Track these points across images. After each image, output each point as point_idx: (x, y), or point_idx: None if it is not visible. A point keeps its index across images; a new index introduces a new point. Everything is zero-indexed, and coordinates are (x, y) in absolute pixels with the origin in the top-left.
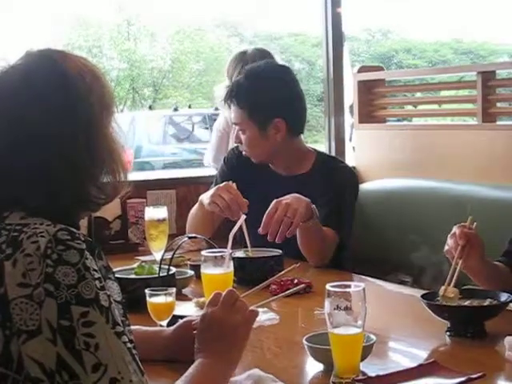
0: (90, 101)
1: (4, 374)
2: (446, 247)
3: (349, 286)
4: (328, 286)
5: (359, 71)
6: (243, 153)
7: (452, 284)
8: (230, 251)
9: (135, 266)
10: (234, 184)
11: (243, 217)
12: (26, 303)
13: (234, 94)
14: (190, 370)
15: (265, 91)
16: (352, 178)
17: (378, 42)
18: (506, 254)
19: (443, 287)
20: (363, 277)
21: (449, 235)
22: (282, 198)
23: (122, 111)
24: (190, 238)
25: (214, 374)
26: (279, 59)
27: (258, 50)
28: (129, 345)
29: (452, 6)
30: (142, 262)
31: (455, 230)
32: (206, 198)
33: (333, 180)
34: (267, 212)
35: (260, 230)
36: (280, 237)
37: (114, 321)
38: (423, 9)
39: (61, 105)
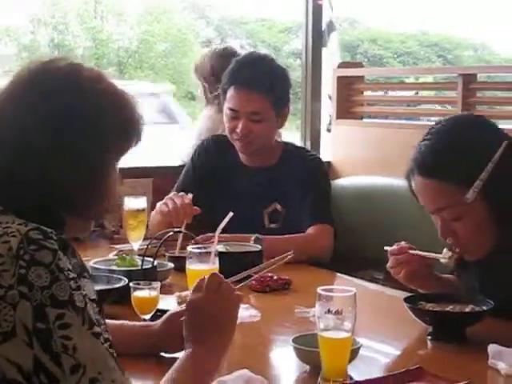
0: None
1: None
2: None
3: (340, 291)
4: (319, 290)
5: (339, 67)
6: (235, 142)
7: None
8: (216, 247)
9: (112, 255)
10: (191, 195)
11: (230, 214)
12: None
13: (256, 78)
14: (181, 360)
15: (284, 77)
16: (322, 167)
17: (345, 31)
18: None
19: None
20: (345, 276)
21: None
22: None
23: None
24: (175, 232)
25: (205, 362)
26: (245, 44)
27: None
28: (106, 344)
29: None
30: (120, 251)
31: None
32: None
33: (303, 172)
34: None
35: None
36: None
37: (90, 321)
38: None
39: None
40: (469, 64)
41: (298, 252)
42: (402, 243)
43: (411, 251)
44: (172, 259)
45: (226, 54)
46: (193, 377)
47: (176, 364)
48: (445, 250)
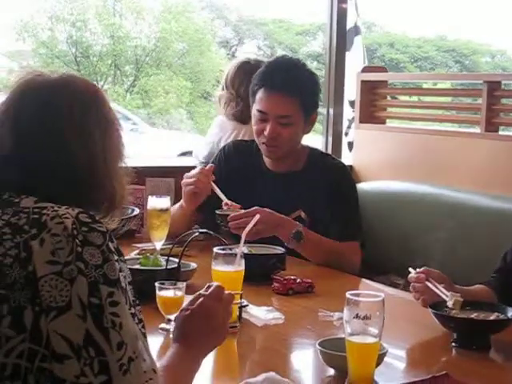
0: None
1: (34, 349)
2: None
3: (369, 296)
4: (348, 295)
5: (363, 71)
6: (262, 146)
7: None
8: (243, 249)
9: (134, 254)
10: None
11: (257, 216)
12: (55, 280)
13: (287, 81)
14: (170, 356)
15: (314, 83)
16: (349, 176)
17: (362, 34)
18: (497, 271)
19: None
20: (367, 281)
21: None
22: (268, 211)
23: (103, 87)
24: (201, 232)
25: (191, 362)
26: (262, 45)
27: (261, 61)
28: (139, 325)
29: (438, 2)
30: (142, 250)
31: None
32: None
33: (332, 184)
34: (248, 212)
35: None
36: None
37: (129, 302)
38: (409, 3)
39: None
40: (485, 70)
41: (329, 257)
42: (422, 270)
43: (427, 282)
44: (221, 217)
45: (247, 69)
46: (184, 374)
47: (163, 361)
48: (449, 294)
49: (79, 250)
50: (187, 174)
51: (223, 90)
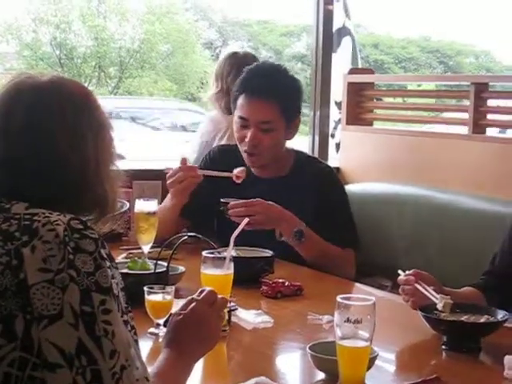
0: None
1: (25, 358)
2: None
3: (360, 300)
4: (339, 299)
5: (349, 73)
6: (244, 154)
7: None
8: (232, 253)
9: (121, 258)
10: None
11: (246, 219)
12: (47, 288)
13: (266, 86)
14: (162, 362)
15: (295, 87)
16: (337, 181)
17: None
18: (486, 273)
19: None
20: (356, 284)
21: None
22: (269, 203)
23: None
24: (189, 236)
25: (183, 368)
26: (246, 46)
27: (249, 53)
28: (132, 333)
29: (422, 3)
30: (129, 253)
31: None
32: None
33: (321, 189)
34: (249, 201)
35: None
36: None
37: (121, 309)
38: (393, 5)
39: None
40: (469, 71)
41: (327, 261)
42: (412, 272)
43: (416, 285)
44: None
45: (241, 62)
46: (175, 380)
47: (156, 366)
48: (439, 296)
49: (71, 258)
50: (170, 174)
51: (215, 87)
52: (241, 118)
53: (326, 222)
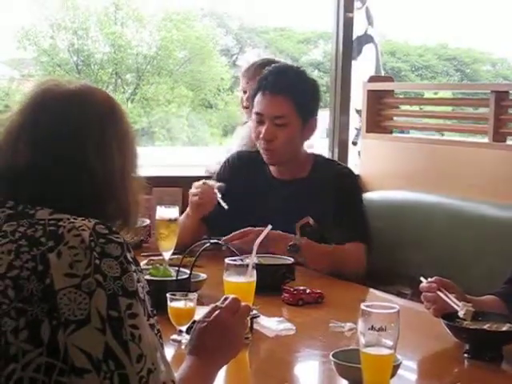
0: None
1: (51, 363)
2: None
3: (384, 308)
4: (363, 306)
5: (369, 81)
6: (262, 150)
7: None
8: (255, 260)
9: (142, 265)
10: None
11: (269, 226)
12: (74, 293)
13: (280, 82)
14: (186, 369)
15: (310, 86)
16: (355, 180)
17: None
18: (507, 282)
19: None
20: (377, 292)
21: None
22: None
23: None
24: (211, 243)
25: (206, 375)
26: (263, 53)
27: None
28: (158, 336)
29: (440, 11)
30: (150, 260)
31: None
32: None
33: (339, 188)
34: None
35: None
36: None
37: (148, 313)
38: (410, 12)
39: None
40: (486, 79)
41: (334, 260)
42: (434, 279)
43: (438, 292)
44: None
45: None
46: None
47: (180, 372)
48: (461, 304)
49: (97, 263)
50: (195, 184)
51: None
52: (257, 113)
53: (341, 217)
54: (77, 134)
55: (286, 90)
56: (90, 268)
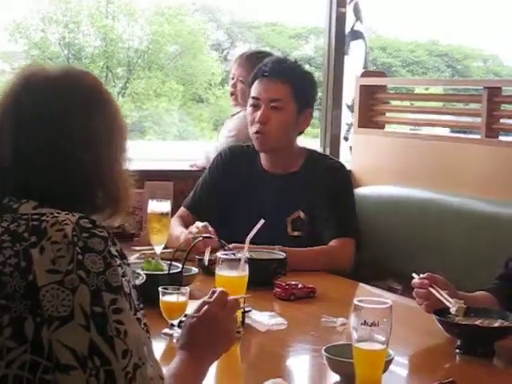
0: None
1: (36, 361)
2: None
3: (377, 303)
4: (356, 301)
5: (362, 76)
6: (254, 136)
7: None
8: (247, 254)
9: (134, 258)
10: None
11: (261, 221)
12: (57, 289)
13: (279, 68)
14: (177, 365)
15: (309, 76)
16: (346, 175)
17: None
18: (499, 278)
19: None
20: (367, 286)
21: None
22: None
23: None
24: (204, 237)
25: (198, 371)
26: (254, 48)
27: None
28: (145, 330)
29: (431, 7)
30: (142, 253)
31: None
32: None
33: (330, 182)
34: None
35: None
36: None
37: (134, 307)
38: (401, 8)
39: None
40: (477, 75)
41: (319, 264)
42: (426, 275)
43: (430, 289)
44: (201, 264)
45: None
46: (191, 382)
47: (171, 368)
48: (453, 301)
49: (80, 258)
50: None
51: (234, 87)
52: (253, 97)
53: (331, 212)
54: (59, 118)
55: (285, 75)
56: (72, 264)
